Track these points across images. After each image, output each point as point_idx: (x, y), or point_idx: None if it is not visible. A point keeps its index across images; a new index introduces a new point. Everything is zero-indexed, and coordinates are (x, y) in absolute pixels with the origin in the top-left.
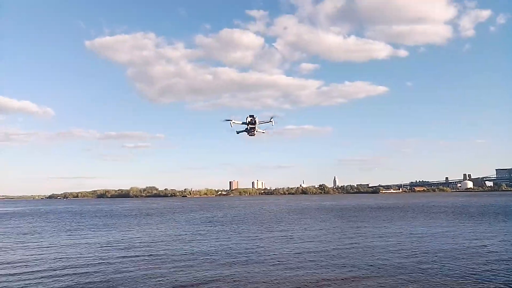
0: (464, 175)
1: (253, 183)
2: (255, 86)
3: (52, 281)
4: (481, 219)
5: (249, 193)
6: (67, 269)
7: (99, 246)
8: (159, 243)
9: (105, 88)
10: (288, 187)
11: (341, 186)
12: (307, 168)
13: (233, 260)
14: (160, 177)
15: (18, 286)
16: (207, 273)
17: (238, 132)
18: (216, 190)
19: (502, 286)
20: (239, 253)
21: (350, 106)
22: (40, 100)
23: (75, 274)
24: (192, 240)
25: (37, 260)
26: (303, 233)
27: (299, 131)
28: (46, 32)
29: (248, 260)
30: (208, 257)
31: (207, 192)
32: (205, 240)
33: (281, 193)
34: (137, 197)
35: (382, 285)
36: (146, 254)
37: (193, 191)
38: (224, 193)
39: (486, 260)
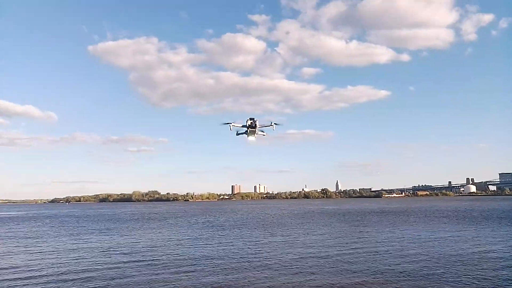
0: (467, 179)
1: (255, 187)
2: (257, 91)
3: (55, 286)
4: (484, 224)
5: (251, 197)
6: (69, 274)
7: (102, 250)
8: (162, 247)
9: (108, 92)
10: (290, 191)
11: (344, 190)
12: (309, 172)
13: (236, 265)
14: (162, 181)
15: None
16: (210, 279)
17: (238, 134)
18: (218, 194)
19: None
20: (242, 258)
21: (352, 110)
22: (43, 105)
23: (78, 279)
24: (195, 245)
25: (39, 265)
26: (306, 238)
27: (300, 135)
28: (50, 37)
29: (251, 265)
30: (210, 262)
31: (209, 196)
32: (207, 244)
33: (283, 198)
34: (139, 201)
35: None
36: (148, 259)
37: (196, 195)
38: (226, 197)
39: (491, 266)
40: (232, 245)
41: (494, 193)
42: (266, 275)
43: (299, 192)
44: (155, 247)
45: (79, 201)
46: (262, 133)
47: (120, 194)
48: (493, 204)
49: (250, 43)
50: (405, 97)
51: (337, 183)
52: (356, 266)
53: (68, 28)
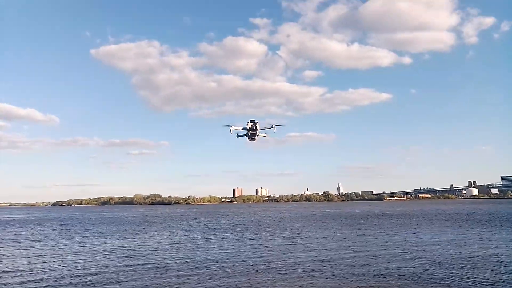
0: (469, 182)
1: (256, 190)
2: (258, 94)
3: None
4: (487, 227)
5: (253, 201)
6: (71, 278)
7: (103, 254)
8: (163, 251)
9: (110, 96)
10: (292, 195)
11: (345, 193)
12: (310, 175)
13: (238, 269)
14: (164, 185)
15: None
16: (212, 282)
17: (238, 136)
18: (220, 197)
19: None
20: (244, 262)
21: (354, 113)
22: (46, 108)
23: (80, 283)
24: (196, 248)
25: (41, 268)
26: (308, 241)
27: (302, 138)
28: (52, 41)
29: (253, 269)
30: (212, 266)
31: (211, 200)
32: (209, 248)
33: (285, 201)
34: (141, 204)
35: None
36: (150, 262)
37: (197, 198)
38: (227, 200)
39: (494, 270)
40: (234, 249)
41: (496, 196)
42: (268, 279)
43: (301, 195)
44: (157, 250)
45: (81, 204)
46: (263, 135)
47: (122, 197)
48: (495, 207)
49: (252, 46)
50: (407, 100)
51: (338, 186)
52: (358, 270)
53: (70, 31)
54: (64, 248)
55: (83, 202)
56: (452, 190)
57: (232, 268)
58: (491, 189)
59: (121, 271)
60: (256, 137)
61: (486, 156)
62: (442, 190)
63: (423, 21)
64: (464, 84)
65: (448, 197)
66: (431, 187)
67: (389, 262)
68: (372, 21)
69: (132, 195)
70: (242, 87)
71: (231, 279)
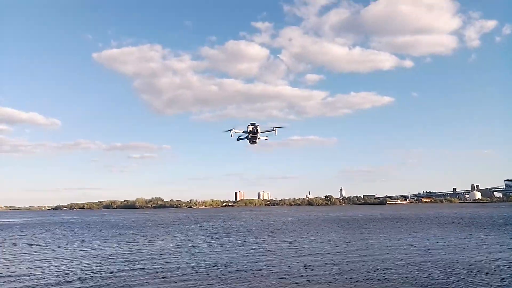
0: (472, 185)
1: (258, 194)
2: (260, 97)
3: None
4: (490, 231)
5: (255, 204)
6: (73, 282)
7: (106, 258)
8: (166, 255)
9: (112, 99)
10: (294, 198)
11: (348, 197)
12: (312, 178)
13: (241, 273)
14: (165, 188)
15: None
16: (215, 287)
17: (239, 139)
18: (222, 201)
19: None
20: (246, 266)
21: (356, 116)
22: (48, 112)
23: (82, 287)
24: (199, 252)
25: (43, 272)
26: (310, 245)
27: (304, 141)
28: (54, 45)
29: (256, 274)
30: (215, 270)
31: (213, 203)
32: (211, 252)
33: (287, 204)
34: (143, 208)
35: None
36: (152, 266)
37: (199, 202)
38: (229, 204)
39: (498, 275)
40: (236, 253)
41: (499, 200)
42: (271, 284)
43: (303, 199)
44: (159, 254)
45: (83, 207)
46: (264, 137)
47: (124, 201)
48: (498, 211)
49: (253, 50)
50: (409, 103)
51: (341, 189)
52: (362, 275)
53: (72, 35)
54: (66, 252)
55: (85, 205)
56: (454, 194)
57: (235, 272)
58: (494, 192)
59: (123, 275)
60: (257, 140)
61: (489, 160)
62: (445, 194)
63: (425, 25)
64: (466, 88)
65: (450, 201)
66: (433, 191)
67: (392, 267)
68: (374, 25)
69: (134, 199)
70: (243, 91)
71: (234, 284)
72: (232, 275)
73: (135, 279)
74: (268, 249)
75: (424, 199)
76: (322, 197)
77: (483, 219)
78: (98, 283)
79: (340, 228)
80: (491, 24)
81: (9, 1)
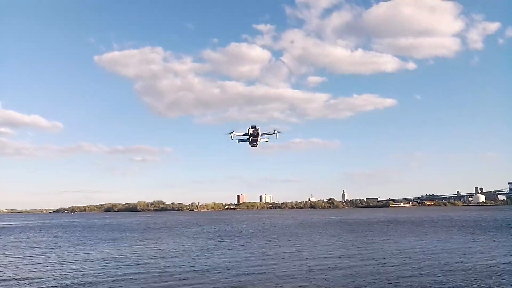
0: (476, 188)
1: (260, 197)
2: (262, 100)
3: None
4: (495, 235)
5: (257, 207)
6: (74, 286)
7: (107, 261)
8: (167, 258)
9: (114, 102)
10: (297, 201)
11: (350, 200)
12: (315, 181)
13: (242, 277)
14: (167, 191)
15: None
16: None
17: (239, 141)
18: (224, 204)
19: None
20: (248, 269)
21: (358, 119)
22: (50, 115)
23: None
24: (200, 256)
25: (45, 276)
26: (313, 249)
27: (306, 144)
28: (56, 48)
29: (258, 278)
30: (216, 274)
31: (215, 206)
32: (213, 255)
33: (289, 207)
34: (144, 211)
35: None
36: (154, 270)
37: (201, 205)
38: (231, 207)
39: (503, 279)
40: (238, 256)
41: (503, 203)
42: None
43: (305, 202)
44: (161, 258)
45: (84, 210)
46: (265, 140)
47: (125, 204)
48: (503, 214)
49: (255, 52)
50: (412, 105)
51: (343, 192)
52: (365, 279)
53: (74, 38)
54: (68, 255)
55: (87, 208)
56: (458, 197)
57: (237, 276)
58: (498, 195)
59: (124, 279)
60: (258, 142)
61: (493, 162)
62: (448, 197)
63: (427, 27)
64: (469, 90)
65: (454, 204)
66: (437, 194)
67: (396, 270)
68: (376, 27)
69: (135, 202)
70: (245, 93)
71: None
72: (235, 279)
73: (136, 283)
74: (271, 252)
75: (428, 202)
76: (325, 200)
77: (487, 222)
78: (99, 287)
79: (343, 231)
80: (494, 26)
81: (11, 3)
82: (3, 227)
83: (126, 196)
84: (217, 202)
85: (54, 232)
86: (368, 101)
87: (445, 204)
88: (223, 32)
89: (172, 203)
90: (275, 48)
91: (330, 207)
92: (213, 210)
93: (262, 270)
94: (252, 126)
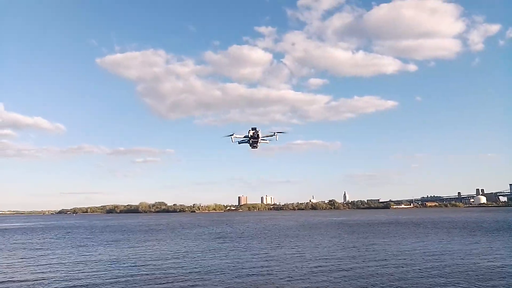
0: (477, 190)
1: (262, 198)
2: (263, 102)
3: None
4: (496, 236)
5: (258, 209)
6: None
7: (109, 262)
8: (169, 260)
9: (116, 104)
10: (298, 203)
11: (351, 201)
12: (316, 183)
13: (244, 278)
14: (169, 192)
15: None
16: None
17: (240, 143)
18: (225, 205)
19: None
20: (250, 271)
21: (359, 121)
22: (52, 116)
23: None
24: (202, 257)
25: (47, 277)
26: (315, 251)
27: (307, 146)
28: (59, 50)
29: (260, 279)
30: (219, 275)
31: (216, 208)
32: (215, 257)
33: (290, 209)
34: (146, 212)
35: None
36: (156, 271)
37: (202, 206)
38: (233, 208)
39: (504, 282)
40: (240, 258)
41: (505, 204)
42: None
43: (307, 203)
44: (163, 259)
45: (86, 212)
46: (266, 141)
47: (127, 205)
48: (504, 215)
49: (257, 54)
50: (413, 107)
51: (344, 194)
52: (367, 280)
53: (77, 41)
54: (70, 257)
55: (89, 210)
56: (459, 198)
57: (239, 277)
58: (500, 197)
59: (127, 280)
60: (258, 144)
61: (494, 164)
62: (449, 198)
63: (428, 29)
64: (470, 91)
65: (455, 205)
66: (438, 195)
67: (397, 272)
68: (377, 29)
69: (137, 203)
70: (246, 95)
71: None
72: (237, 280)
73: (139, 284)
74: (273, 254)
75: (429, 204)
76: (326, 202)
77: (488, 223)
78: None
79: (344, 232)
80: (494, 28)
81: (13, 5)
82: (6, 229)
83: (127, 197)
84: (219, 204)
85: (56, 234)
86: (369, 103)
87: (446, 206)
88: (225, 34)
89: (173, 205)
90: (276, 50)
91: (331, 208)
92: (214, 211)
93: (264, 272)
94: (252, 128)
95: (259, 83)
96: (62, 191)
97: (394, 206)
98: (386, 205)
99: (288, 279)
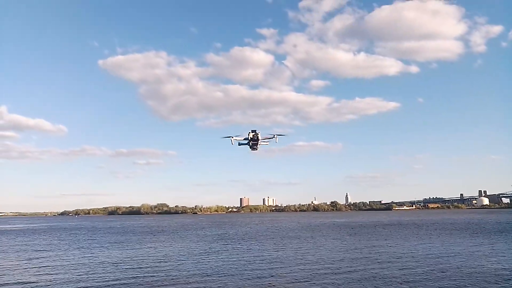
0: (480, 191)
1: (264, 199)
2: (265, 103)
3: None
4: (499, 238)
5: (260, 210)
6: None
7: (111, 264)
8: (172, 261)
9: (118, 106)
10: (300, 204)
11: (353, 203)
12: (318, 184)
13: (246, 280)
14: (171, 194)
15: None
16: None
17: (240, 144)
18: (227, 207)
19: None
20: (252, 273)
21: (361, 122)
22: (54, 118)
23: None
24: (204, 259)
25: (50, 279)
26: (317, 252)
27: (309, 147)
28: (61, 52)
29: (261, 281)
30: (221, 276)
31: (218, 209)
32: (217, 258)
33: (292, 210)
34: (148, 214)
35: None
36: (158, 273)
37: (204, 208)
38: (234, 210)
39: (506, 284)
40: (242, 259)
41: (507, 206)
42: None
43: (308, 204)
44: (165, 261)
45: (88, 213)
46: (265, 143)
47: (129, 207)
48: (507, 217)
49: (258, 56)
50: (415, 108)
51: (346, 195)
52: (369, 282)
53: (79, 42)
54: (73, 258)
55: (91, 211)
56: (462, 200)
57: (241, 279)
58: (502, 198)
59: (129, 281)
60: (258, 146)
61: (497, 165)
62: (452, 200)
63: (430, 30)
64: (472, 93)
65: (458, 207)
66: (440, 197)
67: (399, 274)
68: (379, 30)
69: (139, 205)
70: (248, 97)
71: None
72: (239, 282)
73: (141, 286)
74: (275, 255)
75: (431, 205)
76: (328, 203)
77: (491, 225)
78: None
79: (346, 234)
80: (496, 29)
81: (15, 7)
82: (9, 230)
83: (129, 199)
84: (221, 205)
85: (59, 235)
86: (371, 104)
87: (448, 207)
88: (226, 36)
89: (175, 206)
90: (278, 52)
91: (333, 210)
92: (216, 213)
93: (267, 274)
94: (252, 130)
95: (260, 84)
96: (64, 192)
97: (396, 208)
98: (388, 207)
99: (291, 281)
